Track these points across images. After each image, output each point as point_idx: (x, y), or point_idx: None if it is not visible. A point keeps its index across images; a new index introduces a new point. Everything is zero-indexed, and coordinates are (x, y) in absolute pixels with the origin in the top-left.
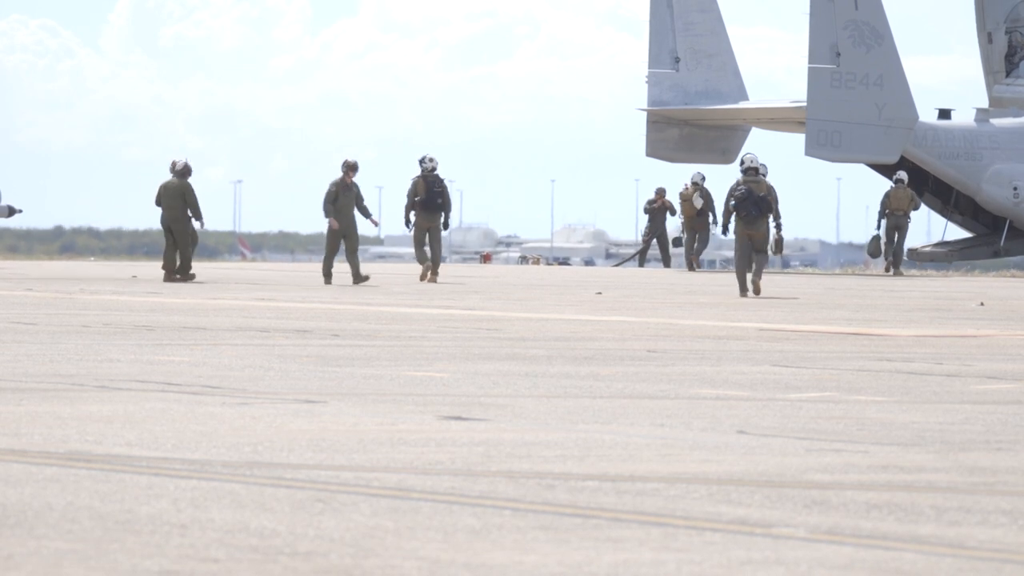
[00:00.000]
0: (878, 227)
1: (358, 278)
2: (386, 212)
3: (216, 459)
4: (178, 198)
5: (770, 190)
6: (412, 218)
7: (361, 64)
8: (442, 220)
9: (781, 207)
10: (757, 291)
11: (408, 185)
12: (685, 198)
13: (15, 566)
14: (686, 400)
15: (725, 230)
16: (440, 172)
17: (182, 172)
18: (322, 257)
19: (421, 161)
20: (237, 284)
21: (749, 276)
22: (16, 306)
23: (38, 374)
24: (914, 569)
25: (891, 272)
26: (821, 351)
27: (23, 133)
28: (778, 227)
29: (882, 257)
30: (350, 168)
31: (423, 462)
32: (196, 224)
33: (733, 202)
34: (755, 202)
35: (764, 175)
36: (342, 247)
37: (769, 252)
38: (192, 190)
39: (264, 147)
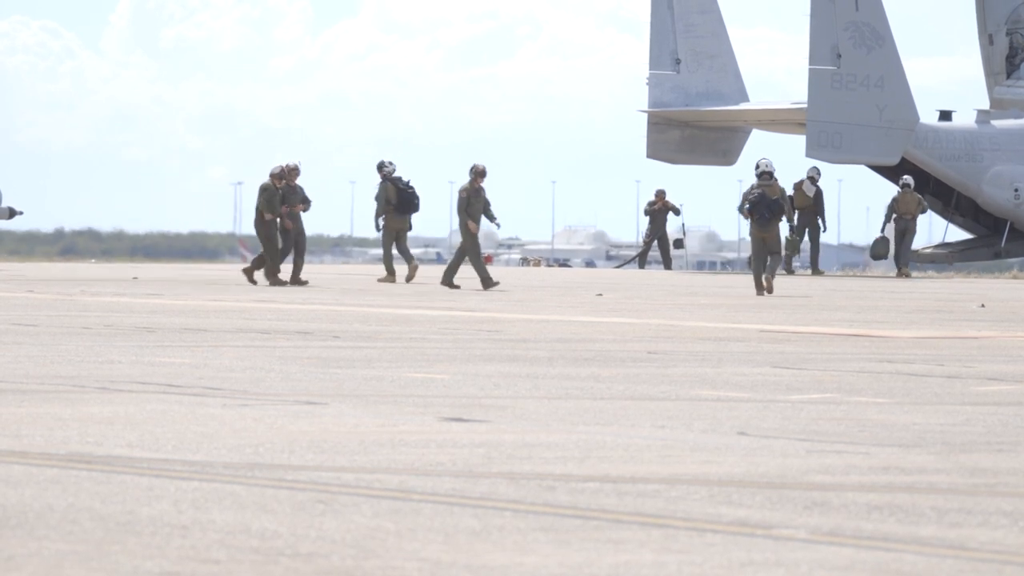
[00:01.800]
0: (883, 229)
1: (488, 283)
2: None
3: (217, 460)
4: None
5: (783, 193)
6: (381, 222)
7: (362, 64)
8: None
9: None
10: (770, 290)
11: (375, 191)
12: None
13: (16, 567)
14: (687, 401)
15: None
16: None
17: (279, 175)
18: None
19: (382, 166)
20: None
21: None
22: (17, 308)
23: (39, 375)
24: (915, 570)
25: (899, 274)
26: (822, 352)
27: (23, 133)
28: (791, 230)
29: (887, 259)
30: (479, 174)
31: (424, 463)
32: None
33: (747, 205)
34: (767, 206)
35: (816, 178)
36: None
37: (784, 251)
38: (261, 192)
39: (264, 147)
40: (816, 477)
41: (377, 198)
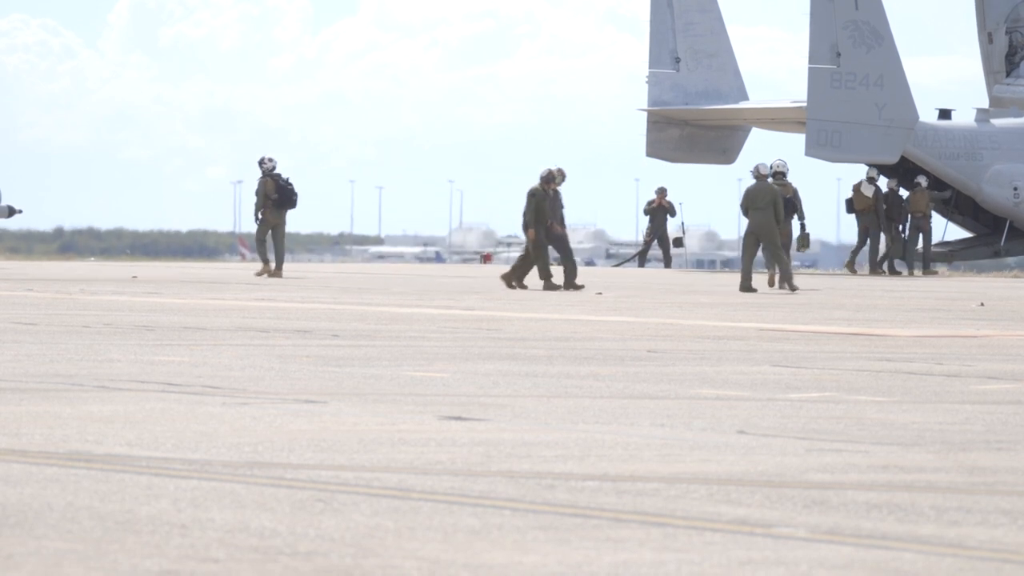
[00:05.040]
0: (903, 231)
1: (792, 285)
2: (386, 212)
3: (216, 459)
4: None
5: (796, 192)
6: (259, 215)
7: (361, 64)
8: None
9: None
10: (779, 286)
11: (256, 186)
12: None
13: (15, 566)
14: (686, 400)
15: None
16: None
17: (549, 179)
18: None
19: (261, 162)
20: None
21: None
22: (16, 306)
23: (38, 374)
24: (914, 569)
25: (920, 272)
26: (821, 351)
27: (23, 133)
28: (802, 226)
29: (906, 260)
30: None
31: (423, 462)
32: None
33: None
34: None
35: (875, 178)
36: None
37: (798, 248)
38: (529, 198)
39: (264, 147)
40: (815, 476)
41: (257, 193)
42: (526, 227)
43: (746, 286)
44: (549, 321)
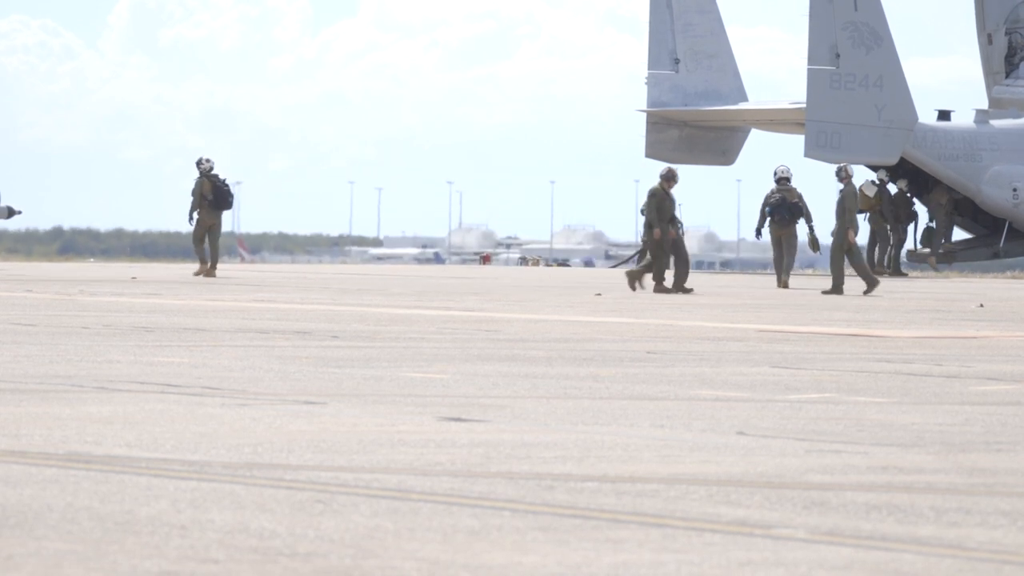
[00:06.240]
0: (927, 227)
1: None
2: (385, 213)
3: (216, 460)
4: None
5: (801, 197)
6: (195, 216)
7: (361, 64)
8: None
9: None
10: (785, 284)
11: (192, 185)
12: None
13: (15, 567)
14: (685, 401)
15: (759, 233)
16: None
17: (670, 177)
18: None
19: (199, 163)
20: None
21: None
22: (16, 307)
23: (37, 375)
24: (913, 570)
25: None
26: (820, 352)
27: (23, 133)
28: (811, 229)
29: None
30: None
31: (423, 463)
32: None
33: (768, 208)
34: (788, 208)
35: (885, 180)
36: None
37: (810, 251)
38: (650, 198)
39: (264, 147)
40: (815, 477)
41: (193, 193)
42: (649, 226)
43: (873, 286)
44: (548, 322)
